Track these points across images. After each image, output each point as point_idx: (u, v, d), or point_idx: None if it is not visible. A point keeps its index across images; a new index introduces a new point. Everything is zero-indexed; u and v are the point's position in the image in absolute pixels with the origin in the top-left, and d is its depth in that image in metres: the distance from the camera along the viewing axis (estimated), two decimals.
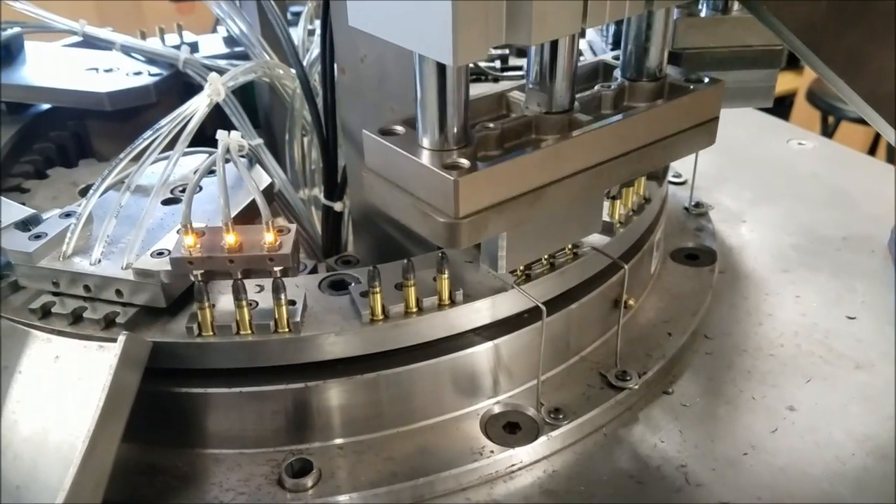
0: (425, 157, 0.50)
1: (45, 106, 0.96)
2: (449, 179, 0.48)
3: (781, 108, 2.89)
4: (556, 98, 0.54)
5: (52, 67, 0.96)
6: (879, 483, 0.59)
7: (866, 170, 1.06)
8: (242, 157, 0.71)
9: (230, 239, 0.53)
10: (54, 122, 0.96)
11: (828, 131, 2.67)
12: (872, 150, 2.52)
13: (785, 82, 2.90)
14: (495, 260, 0.57)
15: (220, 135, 0.60)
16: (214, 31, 1.16)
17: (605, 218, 0.67)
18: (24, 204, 0.67)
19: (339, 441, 0.60)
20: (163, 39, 1.00)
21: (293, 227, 0.55)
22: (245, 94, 1.01)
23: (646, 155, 0.57)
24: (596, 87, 0.59)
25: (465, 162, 0.49)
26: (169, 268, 0.55)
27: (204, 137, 0.67)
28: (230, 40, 1.02)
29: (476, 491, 0.59)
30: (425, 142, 0.51)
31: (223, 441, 0.60)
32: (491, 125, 0.53)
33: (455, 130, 0.50)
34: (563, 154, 0.53)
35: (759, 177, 1.02)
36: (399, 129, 0.53)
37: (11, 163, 0.90)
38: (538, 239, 0.58)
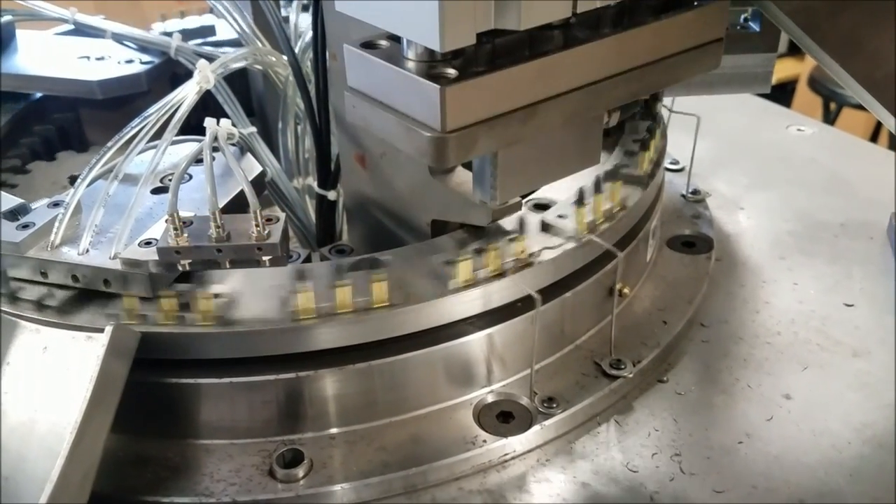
0: (410, 68, 0.48)
1: (38, 94, 0.96)
2: (435, 88, 0.46)
3: (783, 94, 2.87)
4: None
5: (43, 56, 0.95)
6: (876, 472, 0.59)
7: (865, 156, 1.05)
8: (234, 145, 0.71)
9: (218, 228, 0.53)
10: (46, 111, 0.96)
11: (829, 118, 2.65)
12: (874, 137, 2.51)
13: (786, 69, 2.89)
14: (489, 188, 0.56)
15: (209, 122, 0.59)
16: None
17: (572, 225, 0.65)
18: (13, 190, 0.66)
19: (331, 431, 0.60)
20: (163, 31, 0.99)
21: (282, 215, 0.55)
22: (239, 81, 1.01)
23: (646, 74, 0.55)
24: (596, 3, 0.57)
25: (452, 72, 0.47)
26: (156, 257, 0.54)
27: (198, 125, 0.66)
28: None
29: (469, 480, 0.58)
30: (410, 54, 0.48)
31: (214, 431, 0.60)
32: (483, 39, 0.49)
33: None
34: (559, 68, 0.50)
35: (757, 163, 1.01)
36: (383, 42, 0.51)
37: (3, 151, 0.90)
38: (534, 166, 0.56)
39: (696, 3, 0.56)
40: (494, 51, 0.50)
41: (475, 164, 0.57)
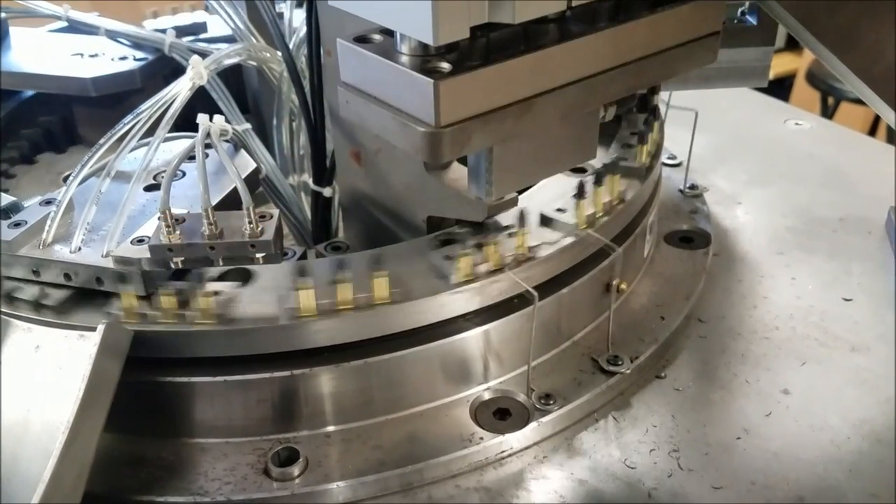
0: (404, 62, 0.47)
1: (31, 92, 0.95)
2: (429, 82, 0.45)
3: (781, 89, 2.87)
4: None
5: (36, 53, 0.95)
6: (875, 467, 0.58)
7: (864, 150, 1.04)
8: (227, 141, 0.70)
9: (210, 225, 0.52)
10: (40, 109, 0.95)
11: (828, 112, 2.65)
12: (873, 131, 2.50)
13: (784, 63, 2.88)
14: (484, 184, 0.55)
15: (201, 119, 0.59)
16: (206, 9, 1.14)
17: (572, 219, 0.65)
18: (7, 191, 0.66)
19: (326, 429, 0.60)
20: (155, 27, 0.98)
21: (275, 213, 0.54)
22: (236, 77, 1.01)
23: (643, 68, 0.55)
24: None
25: (446, 66, 0.46)
26: (149, 255, 0.54)
27: (194, 122, 0.65)
28: None
29: (466, 478, 0.58)
30: (404, 48, 0.48)
31: (209, 430, 0.59)
32: (478, 33, 0.49)
33: None
34: (554, 62, 0.50)
35: (755, 158, 1.00)
36: (376, 37, 0.50)
37: None
38: (529, 162, 0.56)
39: None
40: (489, 45, 0.49)
41: (470, 160, 0.57)
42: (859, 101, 0.54)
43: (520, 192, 0.65)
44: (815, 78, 2.61)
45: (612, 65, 0.53)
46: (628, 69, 0.54)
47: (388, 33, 0.49)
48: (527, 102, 0.50)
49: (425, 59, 0.47)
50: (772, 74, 0.80)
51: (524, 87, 0.49)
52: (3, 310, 0.58)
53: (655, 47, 0.55)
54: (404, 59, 0.47)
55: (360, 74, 0.50)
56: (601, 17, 0.54)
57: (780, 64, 2.85)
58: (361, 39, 0.50)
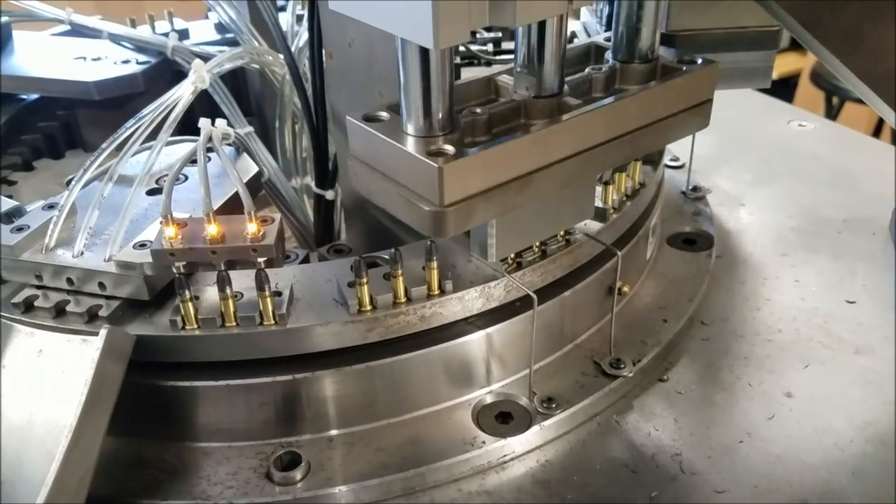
0: (410, 144, 0.49)
1: (34, 96, 0.95)
2: (433, 167, 0.47)
3: (785, 89, 2.86)
4: (544, 81, 0.53)
5: (39, 57, 0.95)
6: (879, 470, 0.58)
7: (868, 151, 1.04)
8: (229, 145, 0.70)
9: (212, 230, 0.52)
10: (43, 112, 0.95)
11: (832, 112, 2.64)
12: (877, 132, 2.50)
13: (788, 63, 2.88)
14: (485, 248, 0.56)
15: (203, 123, 0.59)
16: (207, 17, 1.15)
17: (598, 203, 0.66)
18: (10, 196, 0.66)
19: (329, 433, 0.60)
20: (153, 27, 0.99)
21: (277, 216, 0.54)
22: (238, 81, 1.01)
23: (638, 138, 0.56)
24: (587, 70, 0.58)
25: (450, 148, 0.48)
26: (151, 259, 0.54)
27: (195, 125, 0.66)
28: (221, 27, 1.01)
29: (468, 482, 0.58)
30: (410, 128, 0.50)
31: (211, 434, 0.59)
32: (478, 110, 0.52)
33: (440, 116, 0.49)
34: (553, 139, 0.52)
35: (758, 159, 1.00)
36: (384, 115, 0.52)
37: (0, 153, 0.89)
38: (529, 226, 0.57)
39: (684, 69, 0.57)
40: (490, 120, 0.51)
41: (472, 227, 0.58)
42: (864, 102, 0.54)
43: None
44: (820, 78, 2.60)
45: (608, 137, 0.54)
46: (624, 140, 0.55)
47: (395, 111, 0.51)
48: (527, 177, 0.51)
49: (430, 140, 0.49)
50: (776, 74, 0.80)
51: (524, 164, 0.51)
52: (5, 314, 0.58)
53: (650, 118, 0.56)
54: (410, 140, 0.49)
55: (368, 151, 0.52)
56: (597, 88, 0.56)
57: (784, 64, 2.84)
58: (370, 119, 0.52)
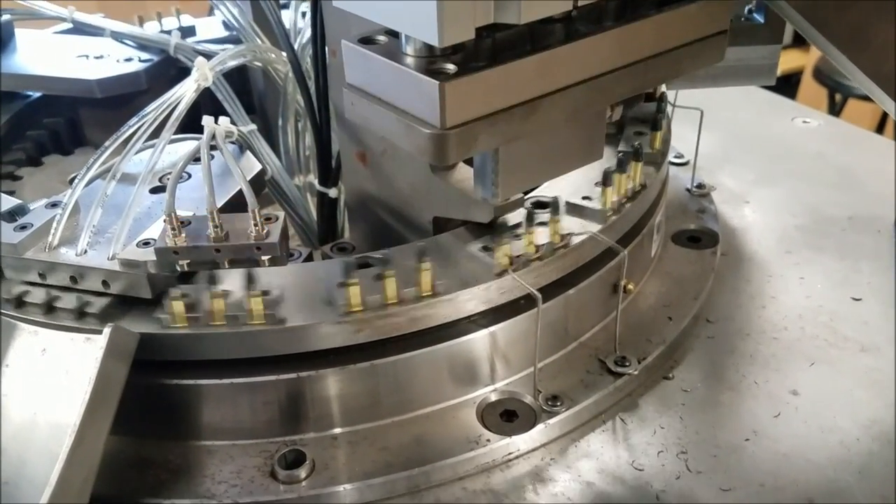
0: (409, 64, 0.47)
1: (37, 94, 0.95)
2: (434, 84, 0.45)
3: (788, 86, 2.86)
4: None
5: (42, 55, 0.95)
6: (885, 469, 0.58)
7: (872, 148, 1.04)
8: (233, 143, 0.70)
9: (216, 228, 0.52)
10: (46, 110, 0.95)
11: (835, 109, 2.64)
12: (881, 128, 2.49)
13: (791, 60, 2.87)
14: (490, 185, 0.55)
15: (206, 121, 0.59)
16: (213, 14, 1.14)
17: (597, 206, 0.65)
18: (12, 193, 0.66)
19: (333, 431, 0.59)
20: (160, 23, 0.98)
21: (281, 214, 0.54)
22: (241, 78, 1.00)
23: (649, 67, 0.54)
24: None
25: (451, 67, 0.46)
26: (155, 258, 0.54)
27: (198, 123, 0.65)
28: (228, 24, 1.01)
29: (473, 480, 0.58)
30: (409, 49, 0.48)
31: (215, 433, 0.59)
32: (483, 34, 0.48)
33: None
34: (560, 62, 0.50)
35: (762, 157, 1.00)
36: (381, 38, 0.50)
37: (2, 151, 0.89)
38: (536, 163, 0.56)
39: None
40: (495, 45, 0.49)
41: (476, 161, 0.57)
42: (867, 98, 0.54)
43: (526, 193, 0.65)
44: (823, 74, 2.60)
45: (618, 65, 0.52)
46: (635, 69, 0.53)
47: (394, 34, 0.49)
48: (533, 103, 0.49)
49: (430, 61, 0.47)
50: (778, 71, 0.80)
51: (530, 88, 0.49)
52: (8, 313, 0.57)
53: (662, 46, 0.54)
54: (409, 60, 0.47)
55: (365, 76, 0.50)
56: (607, 16, 0.53)
57: (787, 60, 2.83)
58: (366, 41, 0.50)
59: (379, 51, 0.49)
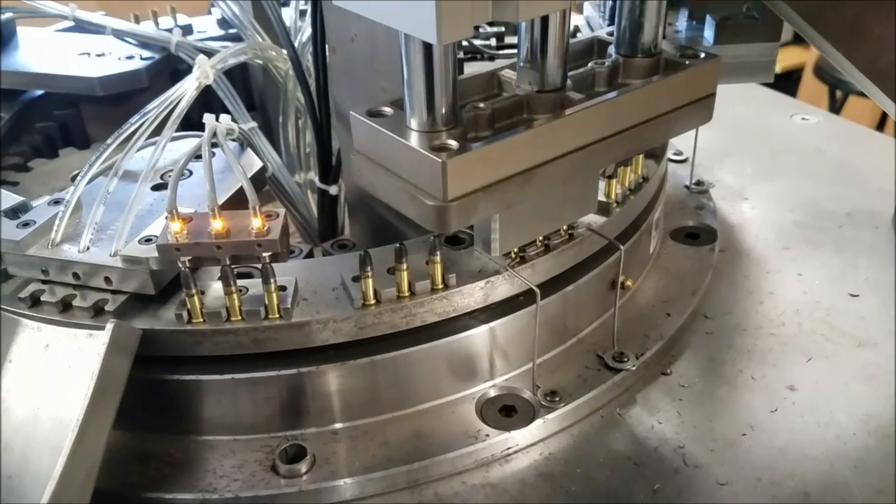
0: (413, 139, 0.49)
1: (39, 91, 0.96)
2: (437, 161, 0.47)
3: (788, 83, 2.85)
4: (547, 76, 0.53)
5: (44, 53, 0.95)
6: (881, 463, 0.58)
7: (871, 145, 1.04)
8: (234, 140, 0.71)
9: (217, 225, 0.53)
10: (47, 108, 0.96)
11: (835, 106, 2.63)
12: (881, 126, 2.49)
13: (792, 57, 2.87)
14: (488, 242, 0.57)
15: (207, 118, 0.59)
16: (209, 13, 1.15)
17: (602, 198, 0.66)
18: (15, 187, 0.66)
19: (334, 426, 0.60)
20: (156, 22, 0.99)
21: (282, 211, 0.55)
22: (241, 76, 1.01)
23: (641, 133, 0.56)
24: (589, 65, 0.58)
25: (453, 143, 0.48)
26: (156, 254, 0.54)
27: (198, 121, 0.66)
28: (224, 22, 1.01)
29: (472, 474, 0.58)
30: (413, 123, 0.50)
31: (217, 427, 0.60)
32: (481, 105, 0.52)
33: (443, 111, 0.49)
34: (555, 133, 0.52)
35: (761, 153, 1.00)
36: (387, 110, 0.52)
37: (4, 148, 0.90)
38: (532, 220, 0.58)
39: (686, 63, 0.57)
40: (493, 116, 0.52)
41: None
42: (867, 95, 0.54)
43: None
44: (823, 72, 2.60)
45: (611, 132, 0.55)
46: (627, 135, 0.55)
47: (399, 106, 0.51)
48: (529, 172, 0.51)
49: (433, 136, 0.49)
50: (779, 68, 0.80)
51: (527, 159, 0.51)
52: (11, 309, 0.58)
53: (653, 113, 0.56)
54: (413, 135, 0.49)
55: (371, 146, 0.52)
56: (600, 83, 0.56)
57: (788, 58, 2.83)
58: (373, 114, 0.52)
59: (385, 125, 0.51)
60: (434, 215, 0.48)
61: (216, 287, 0.57)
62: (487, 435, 0.59)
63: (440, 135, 0.49)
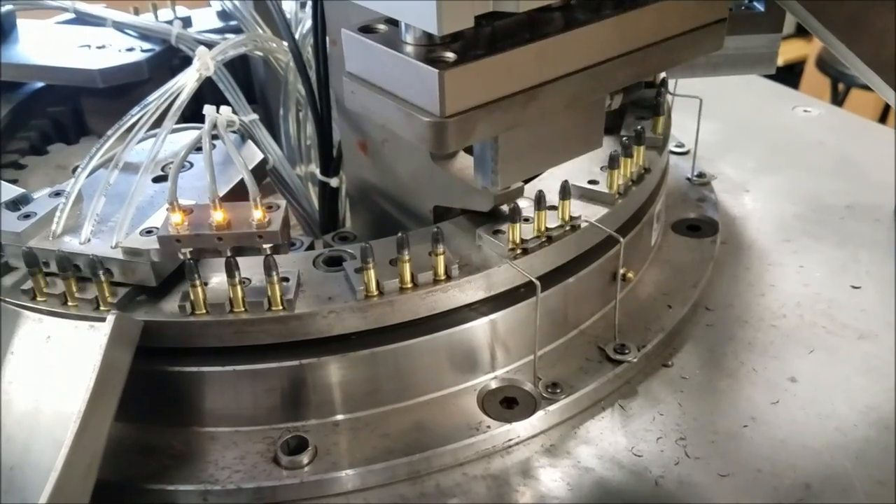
0: (408, 52, 0.47)
1: (39, 84, 0.96)
2: (433, 72, 0.45)
3: (791, 75, 2.85)
4: None
5: (44, 45, 0.95)
6: (882, 455, 0.58)
7: (873, 137, 1.04)
8: (234, 132, 0.71)
9: (218, 216, 0.53)
10: (48, 100, 0.96)
11: (838, 99, 2.63)
12: (883, 118, 2.48)
13: (794, 50, 2.86)
14: (490, 173, 0.55)
15: (207, 110, 0.59)
16: (209, 5, 1.14)
17: (604, 189, 0.66)
18: (16, 182, 0.66)
19: (335, 418, 0.60)
20: (156, 15, 0.99)
21: (283, 203, 0.55)
22: (241, 68, 1.01)
23: (649, 56, 0.54)
24: None
25: (451, 55, 0.46)
26: (157, 246, 0.54)
27: (199, 112, 0.66)
28: (224, 14, 1.01)
29: (473, 466, 0.58)
30: (409, 38, 0.48)
31: (219, 419, 0.60)
32: (482, 22, 0.48)
33: None
34: (559, 50, 0.50)
35: (763, 145, 1.00)
36: (381, 27, 0.50)
37: (4, 141, 0.90)
38: (535, 150, 0.56)
39: None
40: (494, 34, 0.49)
41: (476, 149, 0.57)
42: (869, 88, 0.54)
43: (526, 182, 0.65)
44: (825, 64, 2.59)
45: (617, 53, 0.53)
46: (634, 57, 0.53)
47: (393, 23, 0.49)
48: (532, 91, 0.49)
49: (430, 49, 0.47)
50: (781, 61, 0.80)
51: (529, 76, 0.49)
52: (12, 300, 0.58)
53: (661, 35, 0.54)
54: (409, 48, 0.47)
55: (365, 65, 0.50)
56: (606, 4, 0.53)
57: (790, 50, 2.83)
58: (366, 29, 0.50)
59: (378, 39, 0.49)
60: (431, 133, 0.46)
61: (219, 278, 0.57)
62: (489, 427, 0.59)
63: (437, 49, 0.47)
